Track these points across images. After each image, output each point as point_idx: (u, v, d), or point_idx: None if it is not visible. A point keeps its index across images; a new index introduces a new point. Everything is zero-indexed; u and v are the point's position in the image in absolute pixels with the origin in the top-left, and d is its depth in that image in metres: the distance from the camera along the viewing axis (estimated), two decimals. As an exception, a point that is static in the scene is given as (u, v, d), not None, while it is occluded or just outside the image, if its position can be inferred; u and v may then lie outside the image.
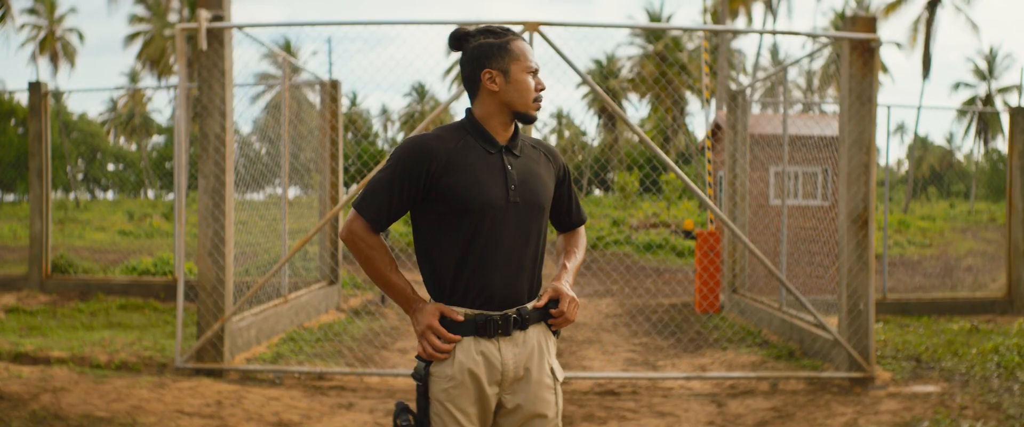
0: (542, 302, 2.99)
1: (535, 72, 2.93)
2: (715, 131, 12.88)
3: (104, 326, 9.71)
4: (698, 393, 7.02)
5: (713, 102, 11.00)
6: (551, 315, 3.00)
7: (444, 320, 2.88)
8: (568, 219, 3.24)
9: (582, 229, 3.31)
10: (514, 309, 2.92)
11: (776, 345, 8.61)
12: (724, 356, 8.36)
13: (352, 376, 7.23)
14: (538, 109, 2.93)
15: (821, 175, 12.16)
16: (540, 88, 2.94)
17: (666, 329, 10.11)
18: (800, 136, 11.26)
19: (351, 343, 8.78)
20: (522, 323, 2.93)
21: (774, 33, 7.68)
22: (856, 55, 6.98)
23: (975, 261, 20.97)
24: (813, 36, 7.75)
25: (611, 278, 17.23)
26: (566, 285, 3.03)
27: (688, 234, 11.36)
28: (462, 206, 2.85)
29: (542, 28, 6.85)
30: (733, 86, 54.49)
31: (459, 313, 2.88)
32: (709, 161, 11.32)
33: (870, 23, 7.01)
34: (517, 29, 6.86)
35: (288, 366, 7.39)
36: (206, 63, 7.20)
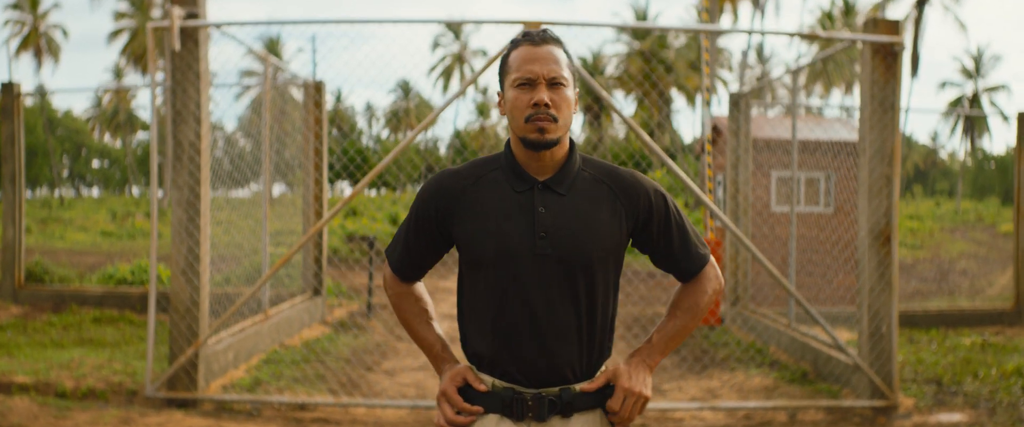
0: (594, 385, 2.39)
1: (529, 83, 2.32)
2: (714, 134, 12.40)
3: (75, 343, 9.15)
4: (711, 425, 6.54)
5: (711, 103, 10.48)
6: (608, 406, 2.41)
7: (466, 389, 2.42)
8: (674, 266, 2.50)
9: (707, 278, 2.50)
10: (557, 389, 2.37)
11: (787, 366, 8.13)
12: (733, 378, 7.88)
13: (337, 407, 6.70)
14: (537, 131, 2.30)
15: (824, 181, 11.71)
16: (535, 102, 2.29)
17: (667, 344, 9.62)
18: (801, 140, 10.82)
19: (335, 364, 8.26)
20: (563, 408, 2.36)
21: (787, 34, 7.18)
22: (878, 59, 6.51)
23: (969, 264, 20.64)
24: (832, 39, 7.26)
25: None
26: (632, 370, 2.40)
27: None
28: (474, 256, 2.39)
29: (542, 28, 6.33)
30: (725, 88, 54.29)
31: (485, 383, 2.40)
32: (709, 166, 10.84)
33: (893, 26, 6.54)
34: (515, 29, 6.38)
35: (267, 396, 6.86)
36: (180, 65, 6.66)
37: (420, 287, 2.62)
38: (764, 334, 9.36)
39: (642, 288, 16.30)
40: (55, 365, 7.65)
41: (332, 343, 9.32)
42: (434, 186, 2.44)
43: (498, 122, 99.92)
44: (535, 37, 2.36)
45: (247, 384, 7.17)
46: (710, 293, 2.49)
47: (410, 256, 2.53)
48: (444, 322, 2.72)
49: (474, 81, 6.57)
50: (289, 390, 7.15)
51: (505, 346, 2.36)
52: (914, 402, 6.88)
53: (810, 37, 7.84)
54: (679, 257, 2.48)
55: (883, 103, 6.53)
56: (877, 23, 6.56)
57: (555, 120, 2.31)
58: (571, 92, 2.37)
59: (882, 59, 6.49)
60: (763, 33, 7.06)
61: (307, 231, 10.59)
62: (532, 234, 2.33)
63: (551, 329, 2.33)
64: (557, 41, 2.39)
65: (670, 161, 6.53)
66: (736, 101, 10.23)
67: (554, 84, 2.33)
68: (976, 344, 9.47)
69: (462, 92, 6.65)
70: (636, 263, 21.69)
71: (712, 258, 2.53)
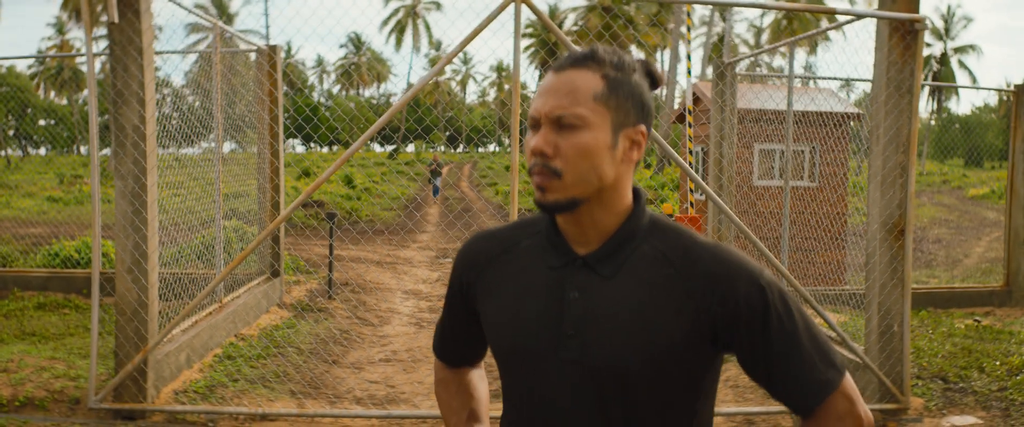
0: None
1: (535, 125, 1.64)
2: (695, 103, 11.85)
3: (16, 336, 8.42)
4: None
5: (692, 72, 9.93)
6: None
7: None
8: (782, 394, 1.68)
9: (834, 416, 1.66)
10: None
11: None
12: (725, 372, 7.39)
13: (301, 418, 6.09)
14: (539, 187, 1.62)
15: (808, 153, 11.22)
16: (535, 150, 1.62)
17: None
18: (778, 111, 10.31)
19: (296, 359, 7.64)
20: None
21: (798, 10, 6.61)
22: (896, 38, 5.94)
23: (942, 232, 20.45)
24: (847, 14, 6.68)
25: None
26: None
27: (667, 220, 10.31)
28: (492, 348, 1.80)
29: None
30: (685, 44, 53.76)
31: None
32: (690, 139, 10.31)
33: (913, 1, 5.96)
34: (498, 1, 5.72)
35: (224, 405, 6.20)
36: (119, 38, 5.92)
37: (470, 376, 2.03)
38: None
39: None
40: (-9, 366, 6.96)
41: (292, 332, 8.69)
42: (463, 252, 1.87)
43: (452, 77, 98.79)
44: (562, 61, 1.67)
45: (202, 389, 6.53)
46: None
47: (444, 334, 1.99)
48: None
49: (460, 51, 5.91)
50: (248, 395, 6.52)
51: None
52: (923, 402, 6.44)
53: (827, 12, 7.18)
54: (786, 383, 1.66)
55: (900, 86, 5.98)
56: (895, -3, 5.98)
57: (557, 175, 1.61)
58: (597, 135, 1.61)
59: (900, 38, 5.93)
60: (769, 8, 6.42)
61: (263, 201, 9.92)
62: (557, 330, 1.67)
63: None
64: (594, 62, 1.64)
65: (664, 143, 5.94)
66: (721, 71, 9.65)
67: (562, 126, 1.61)
68: (971, 328, 9.09)
69: (448, 60, 6.00)
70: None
71: (848, 384, 1.69)
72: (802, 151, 11.18)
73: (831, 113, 10.67)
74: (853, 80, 10.94)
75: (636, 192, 1.72)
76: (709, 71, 52.08)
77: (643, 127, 1.67)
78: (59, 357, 7.36)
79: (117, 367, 5.99)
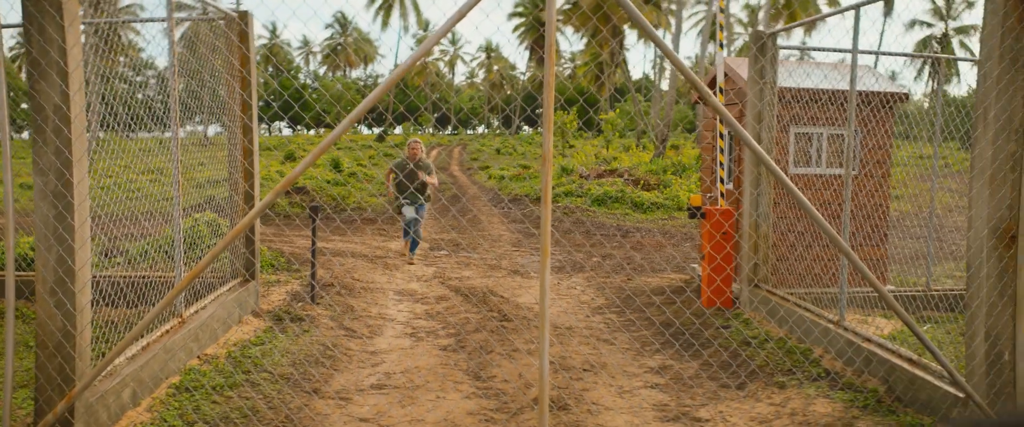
0: None
1: None
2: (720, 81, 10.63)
3: (-60, 354, 7.19)
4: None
5: (724, 48, 8.76)
6: None
7: None
8: None
9: None
10: None
11: (850, 381, 6.40)
12: (787, 400, 6.15)
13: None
14: None
15: (849, 138, 10.01)
16: None
17: (680, 338, 7.93)
18: (818, 90, 9.13)
19: (271, 388, 6.39)
20: None
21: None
22: (1014, 3, 4.73)
23: (960, 219, 19.35)
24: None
25: (574, 241, 15.13)
26: None
27: (694, 212, 9.13)
28: None
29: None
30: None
31: None
32: (720, 122, 9.11)
33: (1037, -54, 4.75)
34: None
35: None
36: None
37: None
38: (799, 329, 7.68)
39: (616, 247, 14.69)
40: None
41: (267, 350, 7.43)
42: None
43: (439, 57, 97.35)
44: None
45: (150, 435, 5.29)
46: None
47: None
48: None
49: (459, 20, 4.67)
50: (208, 442, 5.28)
51: None
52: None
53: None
54: None
55: (1016, 60, 4.77)
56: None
57: None
58: None
59: (1019, 2, 4.71)
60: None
61: (234, 192, 8.67)
62: None
63: None
64: None
65: (731, 118, 4.71)
66: (762, 43, 8.39)
67: None
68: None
69: (444, 32, 4.76)
70: (600, 216, 20.07)
71: None
72: (842, 135, 9.98)
73: (874, 93, 9.50)
74: (940, 57, 9.74)
75: None
76: (709, 49, 50.88)
77: None
78: (-16, 385, 6.12)
79: (36, 416, 4.75)
